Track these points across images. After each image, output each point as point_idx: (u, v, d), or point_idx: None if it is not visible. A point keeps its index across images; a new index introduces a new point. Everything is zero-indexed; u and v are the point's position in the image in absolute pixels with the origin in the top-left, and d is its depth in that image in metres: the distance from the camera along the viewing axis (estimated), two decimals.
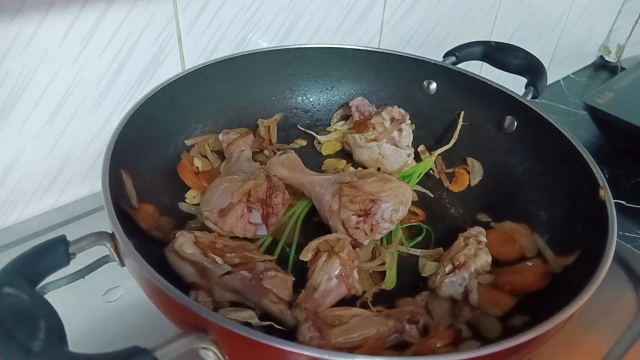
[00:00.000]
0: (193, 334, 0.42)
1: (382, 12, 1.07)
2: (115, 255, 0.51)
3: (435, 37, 1.22)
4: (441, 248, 0.68)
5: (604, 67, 1.65)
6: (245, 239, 0.65)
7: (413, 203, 0.75)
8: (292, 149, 0.83)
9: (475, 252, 0.63)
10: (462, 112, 0.83)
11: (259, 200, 0.65)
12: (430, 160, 0.82)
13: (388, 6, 1.07)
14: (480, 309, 0.59)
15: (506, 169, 0.78)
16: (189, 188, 0.73)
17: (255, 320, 0.54)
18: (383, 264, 0.65)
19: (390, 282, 0.64)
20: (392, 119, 0.80)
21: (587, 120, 1.19)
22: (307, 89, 0.89)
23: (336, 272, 0.58)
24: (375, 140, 0.79)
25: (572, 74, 1.59)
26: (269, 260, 0.60)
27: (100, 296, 0.66)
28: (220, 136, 0.78)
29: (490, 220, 0.74)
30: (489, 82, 0.80)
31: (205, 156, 0.77)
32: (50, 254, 0.46)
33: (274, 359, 0.41)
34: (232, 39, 0.88)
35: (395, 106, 0.82)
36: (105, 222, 0.50)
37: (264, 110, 0.86)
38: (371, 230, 0.64)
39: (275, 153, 0.78)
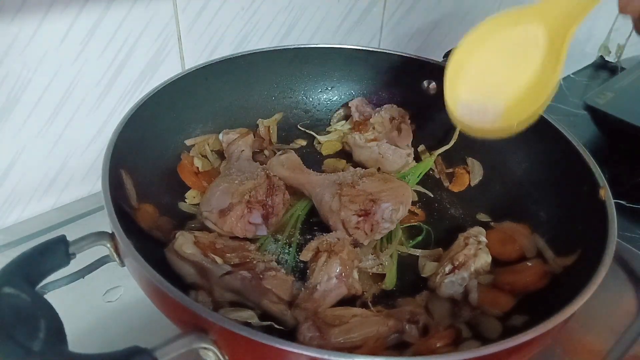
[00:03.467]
0: (193, 334, 0.42)
1: (382, 12, 1.07)
2: (115, 255, 0.51)
3: (435, 37, 1.22)
4: (441, 248, 0.68)
5: (604, 67, 1.64)
6: (245, 239, 0.65)
7: (413, 203, 0.75)
8: (292, 149, 0.83)
9: (475, 252, 0.63)
10: None
11: (259, 201, 0.65)
12: (430, 160, 0.82)
13: (388, 6, 1.07)
14: (480, 309, 0.59)
15: (506, 169, 0.78)
16: (189, 188, 0.73)
17: (255, 320, 0.54)
18: (382, 264, 0.65)
19: (390, 282, 0.64)
20: (392, 119, 0.80)
21: (587, 120, 1.19)
22: (307, 89, 0.89)
23: (336, 272, 0.58)
24: (375, 140, 0.79)
25: (572, 74, 1.59)
26: (269, 261, 0.60)
27: (100, 296, 0.66)
28: (220, 136, 0.78)
29: (490, 220, 0.74)
30: None
31: (205, 156, 0.77)
32: (50, 254, 0.46)
33: (274, 359, 0.41)
34: (232, 39, 0.88)
35: (395, 106, 0.82)
36: (105, 222, 0.50)
37: (264, 110, 0.86)
38: (371, 230, 0.64)
39: (275, 153, 0.78)
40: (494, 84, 0.59)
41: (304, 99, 0.90)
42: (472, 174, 0.81)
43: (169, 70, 0.82)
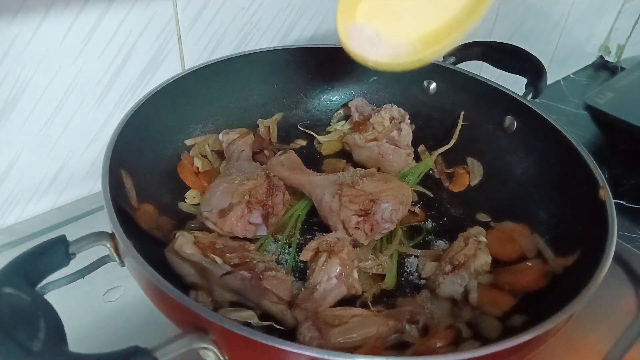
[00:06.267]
0: (193, 334, 0.42)
1: None
2: (115, 255, 0.51)
3: None
4: (441, 248, 0.68)
5: (604, 67, 1.65)
6: (245, 239, 0.65)
7: (413, 203, 0.75)
8: (292, 149, 0.83)
9: (474, 252, 0.63)
10: (462, 112, 0.83)
11: (259, 201, 0.65)
12: (430, 160, 0.82)
13: None
14: (480, 309, 0.59)
15: (506, 169, 0.78)
16: (189, 188, 0.73)
17: (255, 320, 0.54)
18: (382, 265, 0.65)
19: (390, 282, 0.64)
20: (392, 119, 0.80)
21: (587, 120, 1.19)
22: (307, 89, 0.89)
23: (336, 272, 0.58)
24: (374, 140, 0.79)
25: (572, 74, 1.59)
26: (269, 261, 0.60)
27: (100, 296, 0.66)
28: (220, 136, 0.78)
29: (490, 220, 0.74)
30: (489, 82, 0.80)
31: (205, 156, 0.77)
32: (50, 254, 0.46)
33: (274, 359, 0.41)
34: (232, 39, 0.88)
35: (394, 105, 0.82)
36: (105, 222, 0.50)
37: (264, 110, 0.86)
38: (371, 230, 0.64)
39: (275, 153, 0.78)
40: (401, 11, 0.52)
41: (304, 99, 0.90)
42: (472, 174, 0.81)
43: (169, 70, 0.82)
